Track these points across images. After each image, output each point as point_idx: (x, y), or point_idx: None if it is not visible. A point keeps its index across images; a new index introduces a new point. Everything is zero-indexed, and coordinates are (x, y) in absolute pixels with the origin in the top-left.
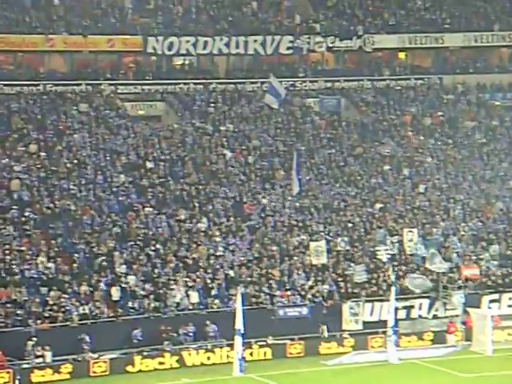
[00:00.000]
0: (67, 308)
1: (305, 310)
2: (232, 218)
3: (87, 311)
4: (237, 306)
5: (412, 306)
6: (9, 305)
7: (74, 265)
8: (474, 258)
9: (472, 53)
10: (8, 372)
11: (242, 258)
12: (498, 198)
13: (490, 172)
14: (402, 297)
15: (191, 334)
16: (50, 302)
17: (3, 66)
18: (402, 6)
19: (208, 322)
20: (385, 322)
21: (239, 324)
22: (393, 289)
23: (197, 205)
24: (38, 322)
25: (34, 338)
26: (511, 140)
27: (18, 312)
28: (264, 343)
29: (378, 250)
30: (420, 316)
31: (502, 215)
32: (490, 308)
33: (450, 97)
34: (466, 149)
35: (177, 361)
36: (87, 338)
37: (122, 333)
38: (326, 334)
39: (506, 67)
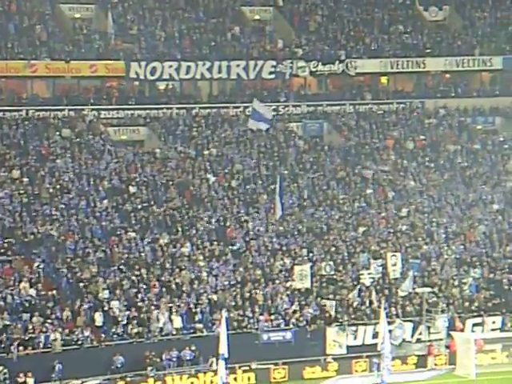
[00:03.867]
0: (49, 333)
1: (289, 335)
2: (215, 243)
3: (69, 337)
4: (221, 331)
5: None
6: None
7: (57, 290)
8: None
9: (453, 77)
10: None
11: (226, 283)
12: (480, 222)
13: (473, 195)
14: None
15: (175, 359)
16: (31, 328)
17: None
18: (383, 31)
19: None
20: (368, 346)
21: (223, 348)
22: (383, 313)
23: (180, 229)
24: (20, 348)
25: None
26: (493, 163)
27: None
28: (248, 368)
29: (362, 274)
30: (403, 340)
31: (485, 239)
32: (473, 332)
33: (432, 121)
34: (448, 172)
35: None
36: (59, 367)
37: (105, 358)
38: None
39: (487, 91)
